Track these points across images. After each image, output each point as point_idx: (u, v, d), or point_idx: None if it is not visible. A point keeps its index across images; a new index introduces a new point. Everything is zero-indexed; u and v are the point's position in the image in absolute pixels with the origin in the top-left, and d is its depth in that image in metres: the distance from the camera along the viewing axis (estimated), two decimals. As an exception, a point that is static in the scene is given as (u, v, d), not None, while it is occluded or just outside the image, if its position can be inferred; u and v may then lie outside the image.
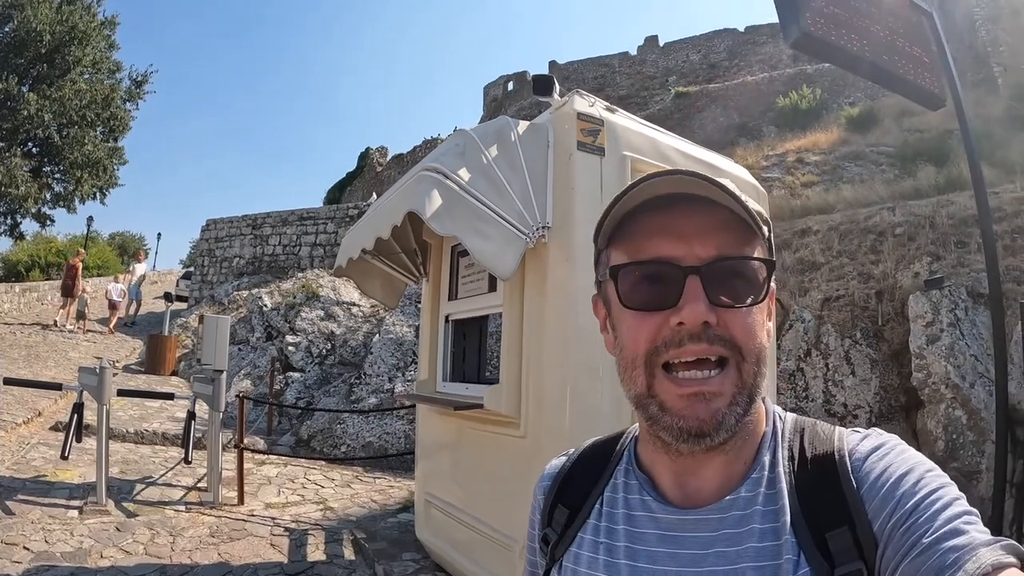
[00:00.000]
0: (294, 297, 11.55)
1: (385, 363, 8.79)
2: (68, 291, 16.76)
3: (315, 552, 4.90)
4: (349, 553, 4.92)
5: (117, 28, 27.33)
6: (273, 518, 5.55)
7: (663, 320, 0.70)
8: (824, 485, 0.70)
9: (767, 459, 0.74)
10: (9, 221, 26.81)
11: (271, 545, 4.95)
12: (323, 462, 7.52)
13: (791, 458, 0.74)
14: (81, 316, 16.85)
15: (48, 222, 27.65)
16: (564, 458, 0.93)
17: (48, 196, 26.40)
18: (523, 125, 3.31)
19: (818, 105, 18.31)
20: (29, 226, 27.64)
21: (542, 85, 3.57)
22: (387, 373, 8.66)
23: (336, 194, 34.02)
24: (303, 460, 7.48)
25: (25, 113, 23.36)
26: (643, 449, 0.82)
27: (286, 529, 5.30)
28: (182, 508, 5.67)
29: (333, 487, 6.66)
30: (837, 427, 0.76)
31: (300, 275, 12.61)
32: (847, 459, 0.71)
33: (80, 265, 17.06)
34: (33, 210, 26.02)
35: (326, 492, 6.46)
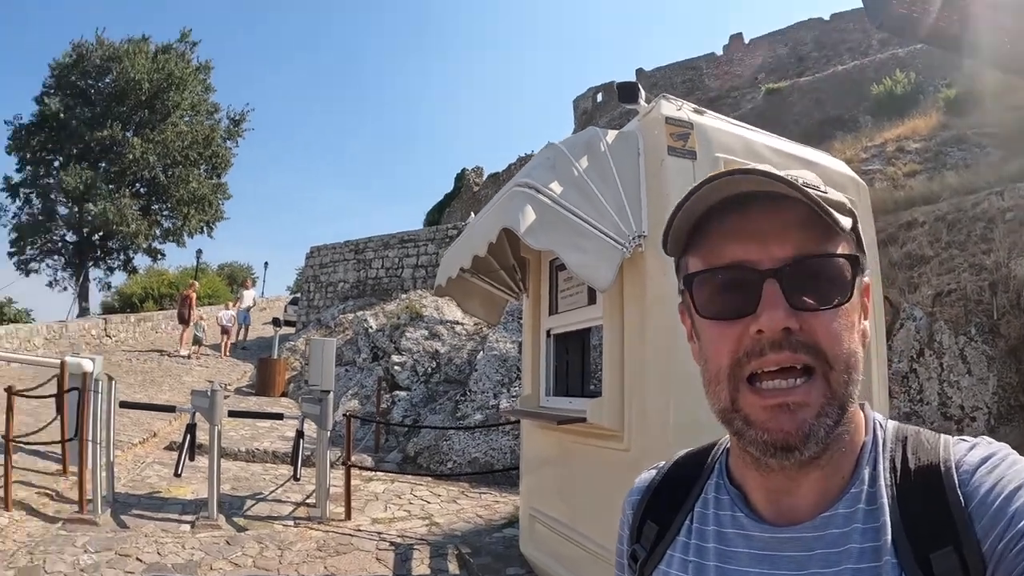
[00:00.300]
0: (398, 318, 11.78)
1: (490, 379, 8.87)
2: (183, 319, 17.95)
3: (420, 566, 4.98)
4: (454, 567, 4.97)
5: (212, 72, 29.14)
6: (379, 533, 5.67)
7: (743, 329, 0.66)
8: (928, 500, 0.64)
9: (867, 472, 0.69)
10: (123, 257, 28.92)
11: (376, 559, 5.05)
12: (429, 478, 7.63)
13: (892, 470, 0.68)
14: (198, 342, 17.85)
15: (159, 256, 29.72)
16: (654, 471, 0.89)
17: (158, 232, 28.31)
18: (612, 134, 3.27)
19: (914, 89, 17.39)
20: (142, 260, 29.85)
21: (627, 92, 3.53)
22: (492, 389, 8.73)
23: (435, 216, 34.76)
24: (409, 476, 7.60)
25: (131, 156, 25.23)
26: (734, 462, 0.78)
27: (392, 544, 5.39)
28: (290, 523, 5.88)
29: (439, 503, 6.74)
30: (943, 435, 0.71)
31: (403, 296, 12.90)
32: (953, 471, 0.65)
33: (193, 295, 18.31)
34: (144, 245, 27.94)
35: (432, 508, 6.55)
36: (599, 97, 34.42)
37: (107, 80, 26.52)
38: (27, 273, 27.91)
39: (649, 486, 0.87)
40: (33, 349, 15.38)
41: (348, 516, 5.99)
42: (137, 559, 4.96)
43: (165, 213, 28.86)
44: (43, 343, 16.41)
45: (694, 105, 3.35)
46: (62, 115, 25.71)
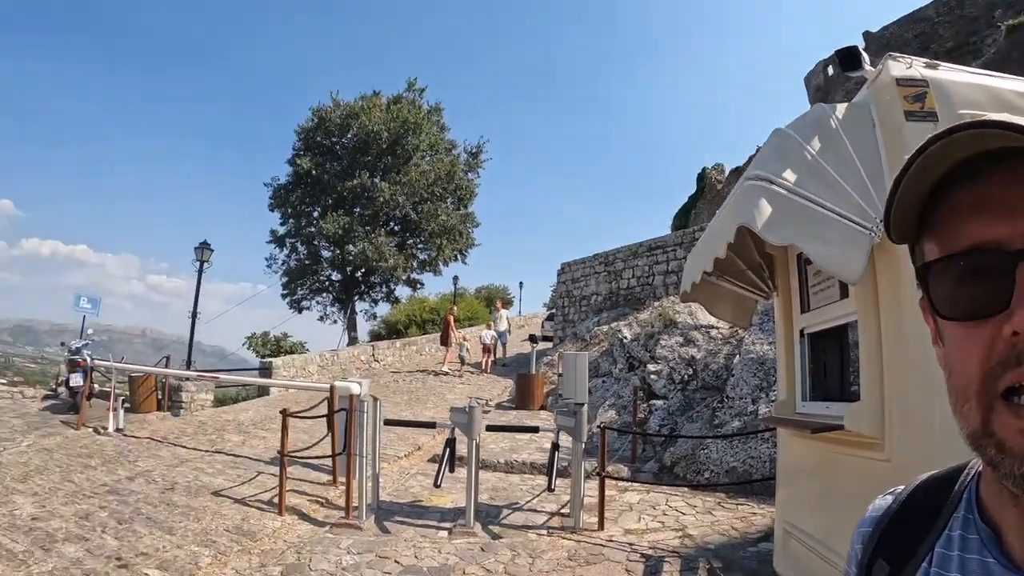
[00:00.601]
0: (652, 326, 11.70)
1: (747, 384, 8.46)
2: (444, 341, 19.64)
3: None
4: None
5: (443, 112, 31.22)
6: (631, 544, 5.60)
7: (995, 331, 0.51)
8: None
9: None
10: (385, 289, 31.93)
11: (626, 571, 5.00)
12: (685, 489, 7.42)
13: None
14: (462, 361, 19.46)
15: (418, 285, 32.38)
16: (890, 498, 0.75)
17: (415, 264, 30.87)
18: (841, 108, 2.94)
19: None
20: (403, 291, 32.75)
21: (847, 59, 3.15)
22: (750, 395, 8.31)
23: (682, 219, 34.18)
24: (665, 487, 7.47)
25: (381, 199, 27.92)
26: (988, 494, 0.62)
27: (642, 555, 5.30)
28: (544, 532, 6.03)
29: (694, 514, 6.53)
30: None
31: (656, 304, 12.83)
32: None
33: (452, 318, 19.91)
34: (403, 277, 30.63)
35: (686, 519, 6.37)
36: (830, 70, 31.52)
37: (349, 136, 29.62)
38: (300, 311, 31.85)
39: (883, 517, 0.74)
40: (308, 375, 17.41)
41: (601, 526, 6.00)
42: (395, 561, 5.37)
43: (419, 246, 31.36)
44: (317, 370, 18.46)
45: (925, 60, 2.91)
46: (313, 172, 29.03)
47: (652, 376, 10.43)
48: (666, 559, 5.22)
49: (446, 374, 18.99)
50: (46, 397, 15.26)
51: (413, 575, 5.07)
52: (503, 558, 5.32)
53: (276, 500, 6.84)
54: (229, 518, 6.52)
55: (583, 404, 6.24)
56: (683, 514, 6.52)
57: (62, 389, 13.99)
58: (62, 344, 14.51)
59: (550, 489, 6.37)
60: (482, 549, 5.56)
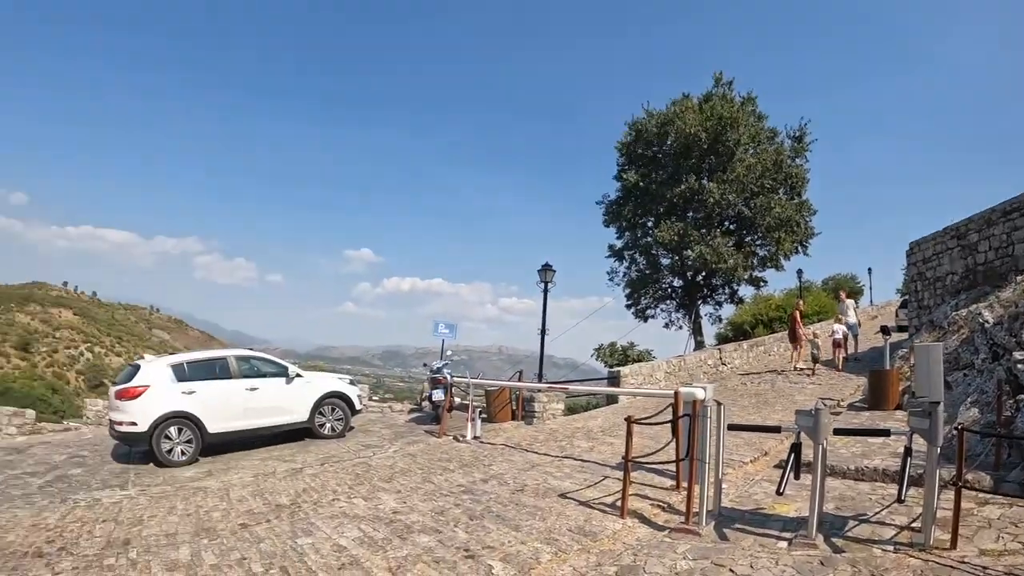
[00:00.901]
0: (1016, 306, 9.86)
1: None
2: (793, 338, 19.08)
3: None
4: None
5: (757, 102, 30.00)
6: (984, 568, 4.81)
7: None
8: None
9: None
10: (727, 290, 31.54)
11: None
12: None
13: None
14: (814, 359, 18.54)
15: (761, 283, 31.39)
16: None
17: (754, 262, 30.00)
18: None
19: None
20: (746, 290, 32.10)
21: None
22: None
23: None
24: None
25: (711, 200, 27.66)
26: None
27: None
28: (890, 548, 5.46)
29: None
30: None
31: (1019, 279, 10.82)
32: None
33: (799, 314, 19.30)
34: (745, 276, 29.90)
35: None
36: None
37: (668, 142, 29.66)
38: (645, 319, 32.83)
39: None
40: (655, 382, 17.85)
41: (953, 545, 5.24)
42: (730, 570, 5.31)
43: (757, 243, 30.43)
44: (664, 376, 18.82)
45: None
46: (640, 183, 29.69)
47: (1020, 366, 8.63)
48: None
49: (800, 371, 18.27)
50: (411, 410, 18.10)
51: None
52: (842, 575, 4.98)
53: (619, 503, 7.20)
54: (572, 519, 7.03)
55: (938, 403, 5.49)
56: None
57: (425, 403, 16.51)
58: (424, 365, 17.00)
59: (900, 500, 5.70)
60: (821, 563, 5.24)
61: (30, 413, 16.04)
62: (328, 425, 13.67)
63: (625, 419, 7.53)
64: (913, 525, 5.94)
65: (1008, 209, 13.77)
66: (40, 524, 7.80)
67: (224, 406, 12.06)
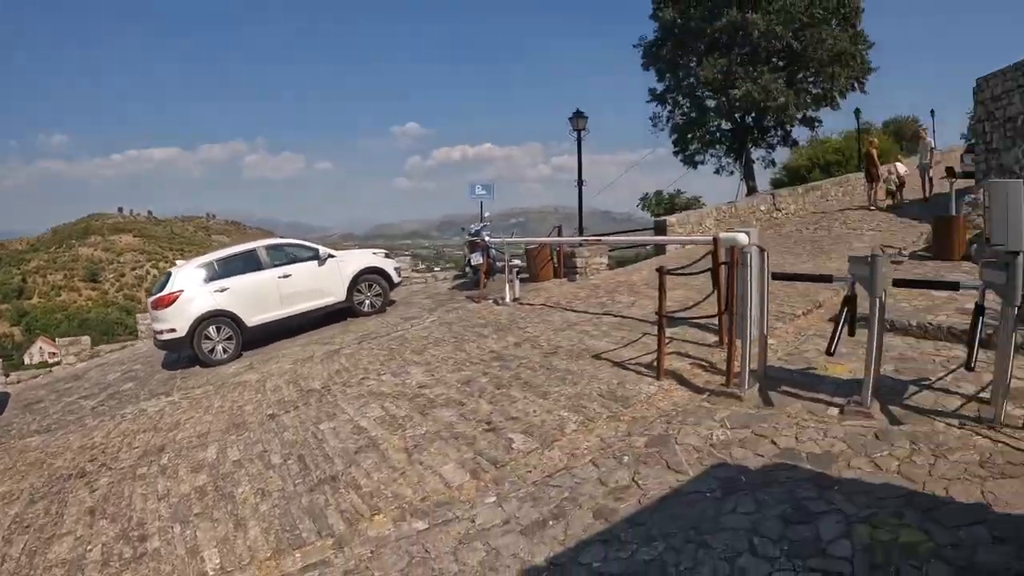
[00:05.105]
0: None
1: None
2: (870, 176, 19.30)
3: None
4: None
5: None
6: None
7: None
8: None
9: None
10: (780, 132, 29.75)
11: None
12: None
13: None
14: (891, 195, 19.61)
15: (816, 124, 29.78)
16: None
17: (808, 99, 28.05)
18: None
19: None
20: (800, 132, 30.42)
21: None
22: None
23: None
24: None
25: (756, 33, 25.33)
26: None
27: None
28: (954, 422, 4.82)
29: None
30: None
31: None
32: None
33: (875, 151, 19.44)
34: (798, 116, 28.14)
35: None
36: None
37: None
38: (694, 166, 31.12)
39: None
40: (705, 231, 17.12)
41: None
42: (772, 442, 4.86)
43: (810, 80, 28.22)
44: (714, 224, 18.18)
45: None
46: (679, 20, 27.28)
47: None
48: (1108, 488, 3.69)
49: (879, 209, 18.55)
50: (456, 277, 17.84)
51: (789, 461, 4.51)
52: (899, 452, 4.40)
53: (655, 364, 6.72)
54: (605, 382, 6.65)
55: (1018, 253, 4.59)
56: None
57: (468, 269, 16.14)
58: (461, 229, 16.56)
59: (969, 368, 4.96)
60: (876, 436, 4.69)
61: (85, 340, 16.68)
62: (367, 302, 13.56)
63: (656, 270, 6.90)
64: (982, 395, 5.27)
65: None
66: (87, 445, 7.88)
67: (259, 297, 12.02)
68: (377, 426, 6.39)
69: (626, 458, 5.01)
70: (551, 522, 4.28)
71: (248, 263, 12.27)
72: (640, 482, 4.60)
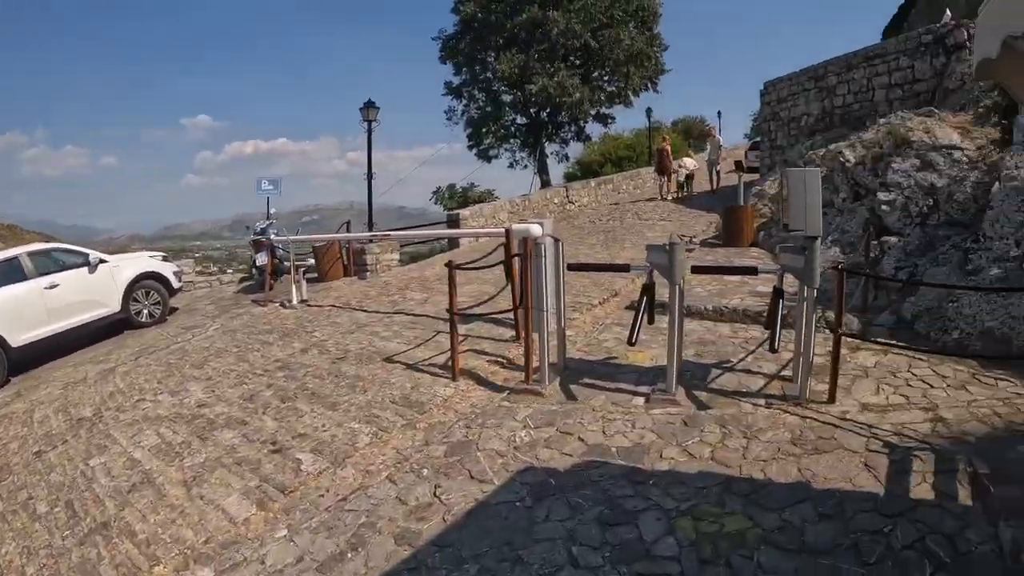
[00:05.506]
0: (880, 147, 9.60)
1: (1011, 222, 6.27)
2: (662, 170, 21.05)
3: (920, 484, 3.51)
4: (965, 494, 3.38)
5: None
6: (870, 426, 4.28)
7: None
8: None
9: None
10: (573, 128, 30.55)
11: (864, 465, 3.77)
12: (927, 351, 5.65)
13: None
14: (680, 187, 21.55)
15: (609, 120, 30.86)
16: None
17: (602, 97, 29.05)
18: None
19: None
20: (594, 128, 31.34)
21: None
22: (1013, 235, 6.16)
23: (894, 33, 29.25)
24: (908, 350, 5.65)
25: (555, 31, 25.92)
26: None
27: (885, 444, 3.99)
28: (761, 402, 4.89)
29: (944, 388, 4.88)
30: None
31: (882, 122, 10.68)
32: None
33: (668, 148, 21.13)
34: (592, 112, 29.05)
35: (935, 394, 4.77)
36: None
37: None
38: (489, 160, 31.14)
39: None
40: (500, 223, 17.11)
41: (832, 398, 4.71)
42: (579, 439, 4.65)
43: (605, 77, 29.28)
44: (508, 217, 18.30)
45: None
46: (479, 15, 27.25)
47: (884, 208, 8.45)
48: (915, 452, 3.85)
49: (669, 200, 20.34)
50: (242, 280, 16.47)
51: (599, 458, 4.30)
52: (710, 438, 4.35)
53: (450, 364, 6.30)
54: (398, 387, 6.20)
55: (816, 238, 4.70)
56: (931, 387, 4.91)
57: (253, 271, 14.97)
58: (247, 228, 15.36)
59: (772, 350, 5.04)
60: (685, 423, 4.62)
61: None
62: (145, 311, 12.20)
63: (446, 265, 6.51)
64: (784, 374, 5.43)
65: (871, 55, 14.04)
66: None
67: (23, 313, 10.27)
68: (152, 457, 5.55)
69: (425, 471, 4.59)
70: (349, 554, 3.77)
71: (9, 274, 10.47)
72: (443, 497, 4.20)
